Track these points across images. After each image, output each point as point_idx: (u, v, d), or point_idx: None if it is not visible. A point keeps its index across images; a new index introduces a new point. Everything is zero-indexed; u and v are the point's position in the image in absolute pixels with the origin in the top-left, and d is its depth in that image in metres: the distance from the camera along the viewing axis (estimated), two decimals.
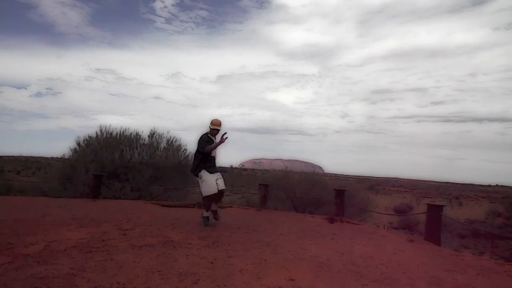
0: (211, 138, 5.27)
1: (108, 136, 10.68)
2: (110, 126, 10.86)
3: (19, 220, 4.74)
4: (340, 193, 7.20)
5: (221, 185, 5.22)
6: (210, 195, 5.12)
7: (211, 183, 5.11)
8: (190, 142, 10.86)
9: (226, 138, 5.18)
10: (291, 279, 2.95)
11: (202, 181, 5.18)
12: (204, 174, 5.19)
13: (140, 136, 10.97)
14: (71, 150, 10.64)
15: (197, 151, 5.30)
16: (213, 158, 5.37)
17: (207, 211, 5.32)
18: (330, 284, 2.91)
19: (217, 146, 5.25)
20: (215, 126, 5.26)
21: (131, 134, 10.90)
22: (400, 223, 17.18)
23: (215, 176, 5.21)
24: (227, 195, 26.30)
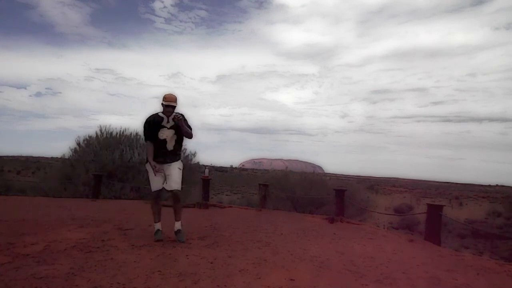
0: (161, 117, 4.09)
1: (108, 136, 10.70)
2: (110, 126, 10.89)
3: (19, 220, 4.74)
4: (340, 193, 7.20)
5: (169, 185, 4.07)
6: (156, 194, 4.16)
7: (153, 177, 4.11)
8: (189, 142, 10.87)
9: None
10: (291, 279, 2.95)
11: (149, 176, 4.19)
12: (148, 167, 4.16)
13: (140, 136, 10.98)
14: (71, 150, 10.68)
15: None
16: (163, 144, 4.11)
17: (155, 221, 4.19)
18: (330, 284, 2.91)
19: (152, 165, 4.03)
20: (168, 102, 4.04)
21: (131, 134, 10.94)
22: (400, 223, 17.16)
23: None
24: (227, 195, 26.19)
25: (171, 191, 4.09)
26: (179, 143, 4.22)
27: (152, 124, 4.10)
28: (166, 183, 4.10)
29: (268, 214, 7.15)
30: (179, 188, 4.12)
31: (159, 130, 4.09)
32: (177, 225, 4.15)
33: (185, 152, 10.95)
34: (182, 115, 4.19)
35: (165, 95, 4.08)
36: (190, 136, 4.23)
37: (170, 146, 4.13)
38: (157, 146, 4.11)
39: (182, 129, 4.08)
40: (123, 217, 5.46)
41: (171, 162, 4.14)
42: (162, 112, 4.11)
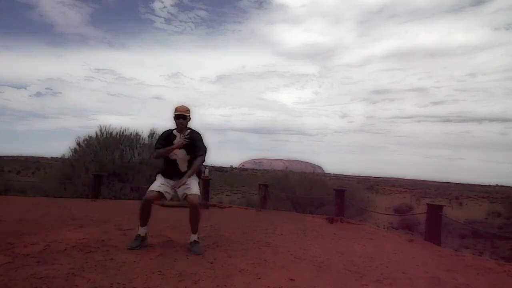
0: (174, 135, 3.82)
1: (108, 136, 10.70)
2: (110, 126, 10.89)
3: (19, 220, 4.73)
4: (340, 193, 7.20)
5: (185, 191, 3.65)
6: (150, 196, 3.65)
7: (154, 184, 3.76)
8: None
9: (187, 139, 3.71)
10: (291, 279, 2.95)
11: None
12: (158, 176, 3.87)
13: (140, 136, 10.99)
14: (71, 150, 10.68)
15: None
16: (174, 166, 3.80)
17: (140, 224, 3.69)
18: (330, 284, 2.91)
19: (169, 151, 3.71)
20: (179, 112, 3.75)
21: (131, 134, 10.93)
22: (400, 223, 17.17)
23: (169, 182, 3.75)
24: (227, 195, 26.20)
25: (187, 197, 3.66)
26: (191, 161, 3.82)
27: (165, 138, 3.82)
28: (179, 192, 3.71)
29: (268, 214, 7.14)
30: (198, 193, 3.69)
31: None
32: (193, 237, 3.74)
33: None
34: (195, 134, 3.85)
35: (176, 107, 3.80)
36: (202, 163, 3.84)
37: (183, 167, 3.80)
38: (169, 166, 3.82)
39: (193, 167, 3.74)
40: (123, 217, 5.46)
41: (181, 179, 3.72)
42: (176, 130, 3.82)
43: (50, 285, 2.52)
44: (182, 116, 3.76)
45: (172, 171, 3.79)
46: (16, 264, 2.94)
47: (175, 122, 3.80)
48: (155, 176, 3.89)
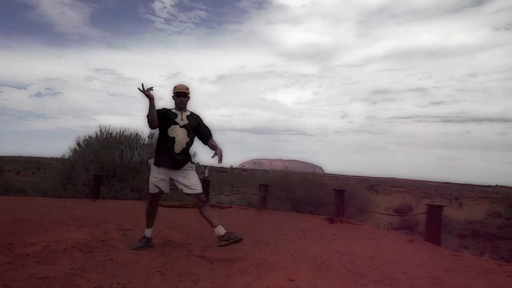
0: (174, 113, 3.60)
1: (108, 136, 10.71)
2: (110, 126, 10.91)
3: (19, 220, 4.74)
4: (340, 193, 7.20)
5: (189, 189, 3.53)
6: (153, 197, 3.66)
7: (151, 179, 3.60)
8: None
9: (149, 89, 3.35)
10: (291, 279, 2.95)
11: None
12: (151, 165, 3.65)
13: (140, 136, 11.00)
14: (71, 150, 10.69)
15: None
16: (171, 144, 3.51)
17: (146, 225, 3.70)
18: (330, 285, 2.91)
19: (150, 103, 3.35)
20: (179, 90, 3.62)
21: (131, 134, 10.95)
22: (400, 223, 17.14)
23: (164, 172, 3.55)
24: (227, 195, 26.23)
25: (191, 194, 3.55)
26: (189, 145, 3.63)
27: (163, 114, 3.53)
28: (182, 187, 3.56)
29: (268, 214, 7.15)
30: (201, 190, 3.58)
31: (169, 126, 3.54)
32: (219, 230, 3.51)
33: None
34: (196, 116, 3.73)
35: (175, 85, 3.66)
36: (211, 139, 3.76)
37: (178, 147, 3.52)
38: (164, 145, 3.54)
39: (216, 145, 3.67)
40: (123, 217, 5.46)
41: (182, 167, 3.56)
42: (175, 108, 3.65)
43: (50, 285, 2.52)
44: (183, 93, 3.63)
45: (167, 152, 3.52)
46: (16, 264, 2.94)
47: (175, 100, 3.66)
48: (147, 163, 3.72)
